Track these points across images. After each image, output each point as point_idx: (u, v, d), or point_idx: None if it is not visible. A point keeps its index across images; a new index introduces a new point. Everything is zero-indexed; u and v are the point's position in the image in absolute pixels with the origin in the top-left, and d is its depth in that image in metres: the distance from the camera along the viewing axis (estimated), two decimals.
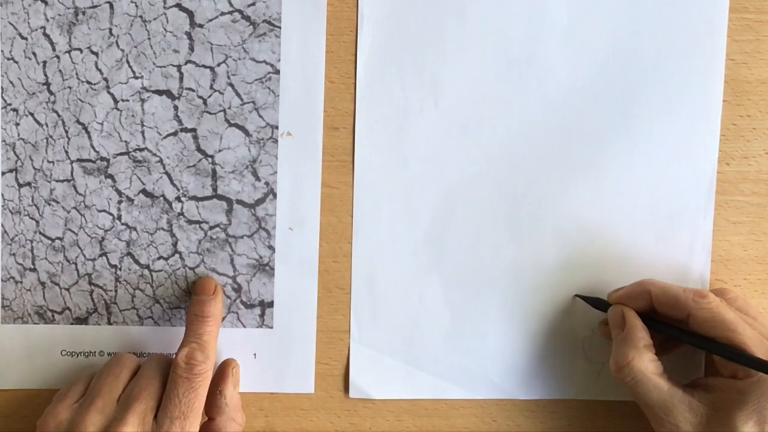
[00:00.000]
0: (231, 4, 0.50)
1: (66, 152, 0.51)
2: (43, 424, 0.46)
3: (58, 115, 0.51)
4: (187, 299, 0.51)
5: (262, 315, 0.51)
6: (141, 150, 0.51)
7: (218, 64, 0.50)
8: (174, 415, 0.45)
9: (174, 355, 0.48)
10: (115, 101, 0.50)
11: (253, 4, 0.50)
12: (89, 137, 0.51)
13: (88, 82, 0.50)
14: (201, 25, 0.50)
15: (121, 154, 0.51)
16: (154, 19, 0.50)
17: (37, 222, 0.51)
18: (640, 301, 0.49)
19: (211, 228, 0.51)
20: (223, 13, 0.50)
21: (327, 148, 0.51)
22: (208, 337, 0.48)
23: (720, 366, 0.48)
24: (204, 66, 0.50)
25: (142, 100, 0.51)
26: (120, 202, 0.51)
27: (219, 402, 0.48)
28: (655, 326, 0.48)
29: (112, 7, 0.50)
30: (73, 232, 0.51)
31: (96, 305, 0.51)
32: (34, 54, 0.50)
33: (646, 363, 0.47)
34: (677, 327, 0.48)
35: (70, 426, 0.45)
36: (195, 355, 0.46)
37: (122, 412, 0.45)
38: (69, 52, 0.50)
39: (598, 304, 0.51)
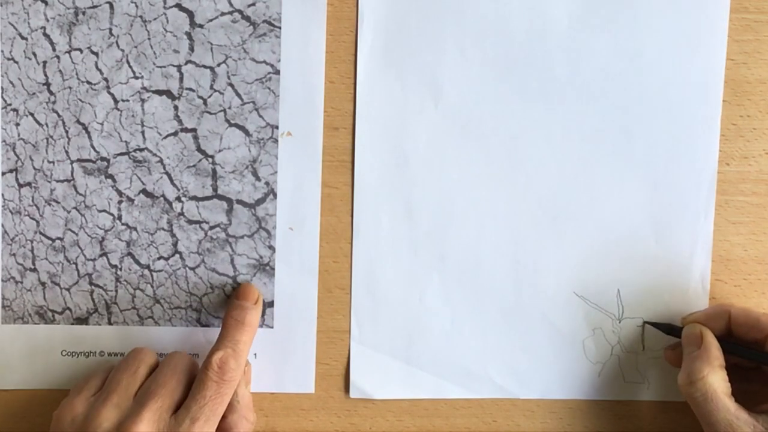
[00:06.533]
0: (231, 4, 0.50)
1: (66, 152, 0.51)
2: (59, 415, 0.46)
3: (59, 115, 0.51)
4: (188, 299, 0.51)
5: (262, 315, 0.51)
6: (141, 150, 0.51)
7: (218, 64, 0.50)
8: (196, 416, 0.45)
9: (190, 352, 0.48)
10: (115, 101, 0.51)
11: (253, 4, 0.50)
12: (89, 137, 0.51)
13: (89, 82, 0.50)
14: (201, 26, 0.50)
15: (122, 154, 0.51)
16: (154, 19, 0.50)
17: (38, 222, 0.51)
18: (717, 321, 0.49)
19: (211, 228, 0.51)
20: (223, 14, 0.50)
21: (327, 148, 0.51)
22: (244, 346, 0.48)
23: None
24: (204, 66, 0.50)
25: (142, 100, 0.51)
26: (120, 202, 0.51)
27: (231, 400, 0.48)
28: (731, 348, 0.49)
29: (112, 7, 0.50)
30: (74, 232, 0.51)
31: (96, 305, 0.51)
32: (34, 54, 0.50)
33: (718, 381, 0.47)
34: (754, 349, 0.49)
35: (85, 420, 0.45)
36: (229, 362, 0.46)
37: (138, 409, 0.45)
38: (69, 52, 0.50)
39: (670, 329, 0.51)
